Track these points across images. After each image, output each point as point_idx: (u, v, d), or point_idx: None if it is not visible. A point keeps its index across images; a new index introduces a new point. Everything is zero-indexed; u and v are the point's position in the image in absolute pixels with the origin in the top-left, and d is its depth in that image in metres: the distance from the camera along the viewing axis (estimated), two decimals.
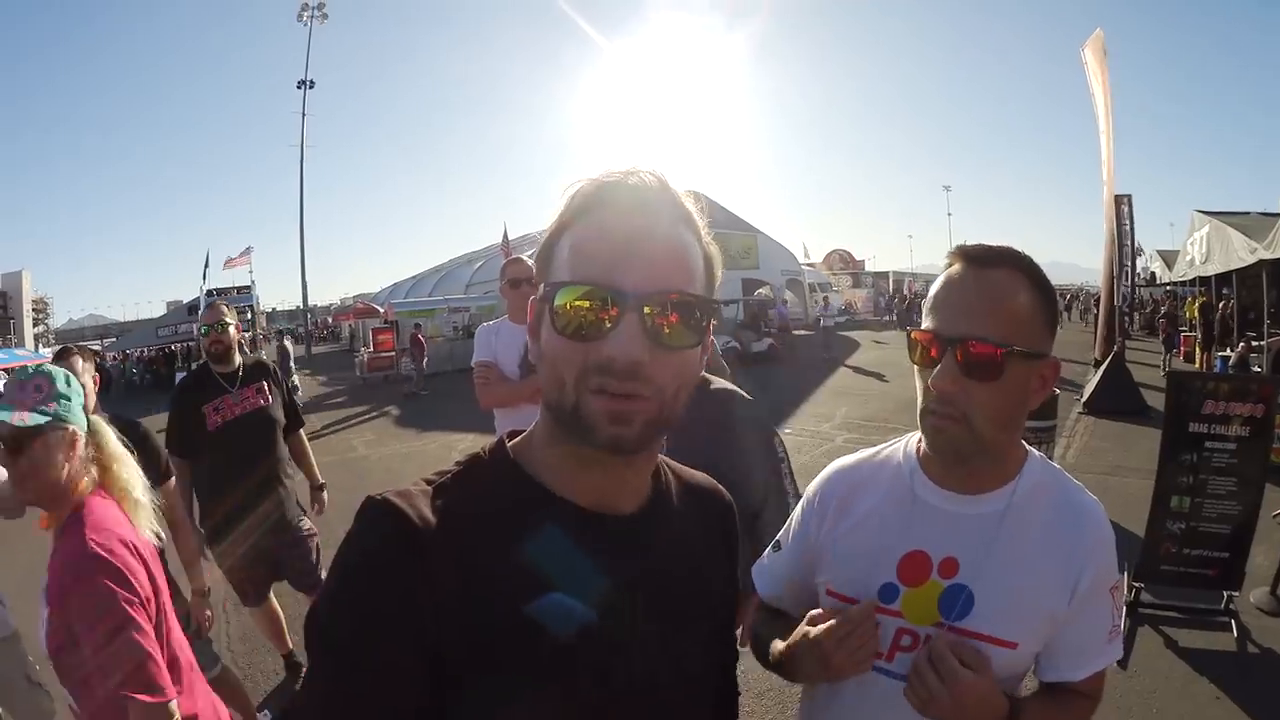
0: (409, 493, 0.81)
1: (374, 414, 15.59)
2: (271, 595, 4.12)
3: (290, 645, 4.25)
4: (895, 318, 34.79)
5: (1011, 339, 1.08)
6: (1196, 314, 17.08)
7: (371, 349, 22.71)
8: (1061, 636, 1.21)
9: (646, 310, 0.77)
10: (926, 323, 1.16)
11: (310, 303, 42.12)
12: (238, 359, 3.86)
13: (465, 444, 10.96)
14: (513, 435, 0.95)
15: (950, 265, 1.17)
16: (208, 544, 3.71)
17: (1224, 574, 4.77)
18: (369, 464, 10.41)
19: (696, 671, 0.96)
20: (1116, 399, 12.02)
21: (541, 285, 0.83)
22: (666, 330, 0.79)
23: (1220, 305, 16.24)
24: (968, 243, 1.18)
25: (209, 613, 3.23)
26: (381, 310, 26.76)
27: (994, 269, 1.12)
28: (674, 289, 0.80)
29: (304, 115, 36.86)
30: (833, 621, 1.17)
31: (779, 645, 1.30)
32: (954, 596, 1.18)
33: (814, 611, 1.25)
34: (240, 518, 3.75)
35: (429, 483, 0.85)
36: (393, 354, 22.04)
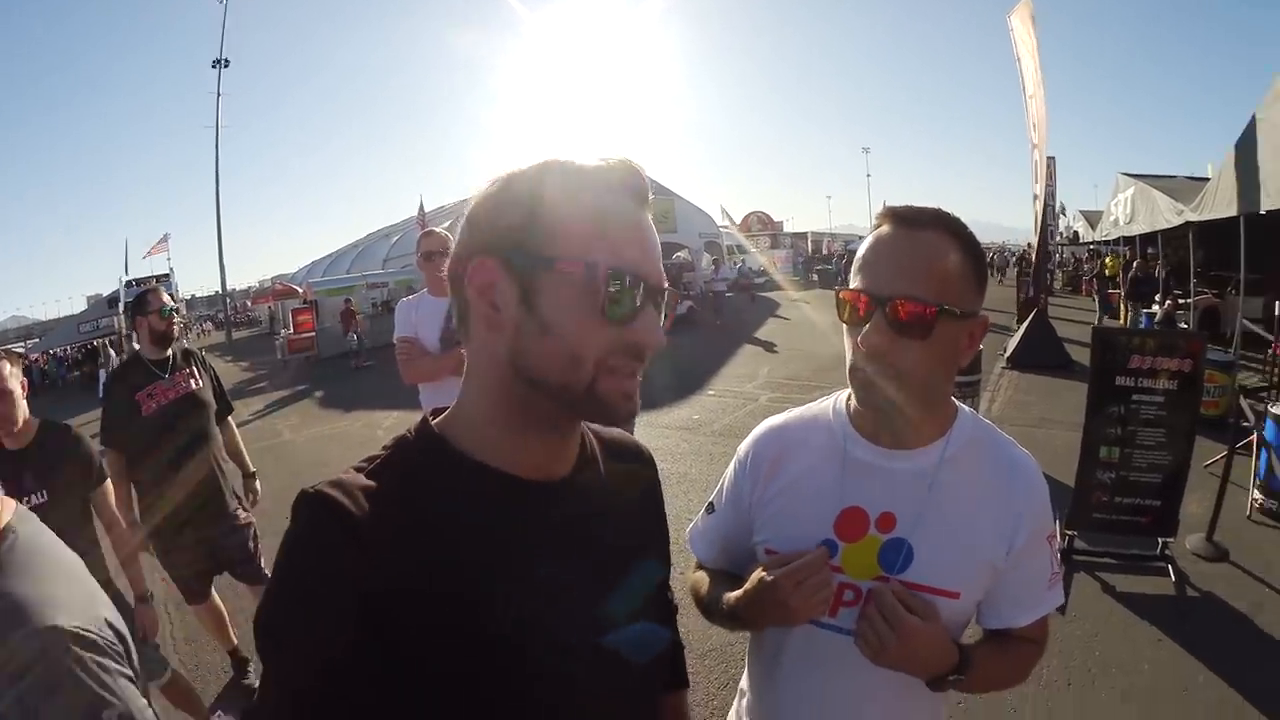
0: (342, 482, 0.81)
1: (297, 397, 15.42)
2: (213, 590, 4.05)
3: (235, 641, 4.17)
4: (815, 277, 36.75)
5: (941, 298, 1.10)
6: (1119, 272, 17.92)
7: (291, 330, 22.17)
8: (1002, 585, 1.25)
9: (660, 300, 0.87)
10: (855, 282, 1.17)
11: (229, 286, 41.12)
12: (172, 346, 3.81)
13: (389, 422, 10.98)
14: (435, 414, 0.94)
15: (879, 226, 1.19)
16: (150, 540, 3.66)
17: (1157, 521, 4.91)
18: (296, 448, 10.29)
19: (643, 627, 0.98)
20: (1040, 354, 12.40)
21: (548, 258, 0.82)
22: (665, 318, 0.89)
23: (1147, 264, 16.88)
24: (896, 204, 1.19)
25: (155, 617, 3.17)
26: (300, 290, 26.15)
27: (923, 230, 1.14)
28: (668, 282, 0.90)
29: (219, 95, 35.95)
30: (791, 565, 1.17)
31: (733, 595, 1.29)
32: (894, 550, 1.21)
33: (771, 559, 1.24)
34: (181, 509, 3.66)
35: (359, 470, 0.84)
36: (313, 334, 21.65)
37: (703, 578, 1.46)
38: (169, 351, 3.75)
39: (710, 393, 11.46)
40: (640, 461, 1.14)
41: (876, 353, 1.13)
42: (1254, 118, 8.02)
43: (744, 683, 1.48)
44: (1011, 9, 14.13)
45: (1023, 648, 1.32)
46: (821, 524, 1.25)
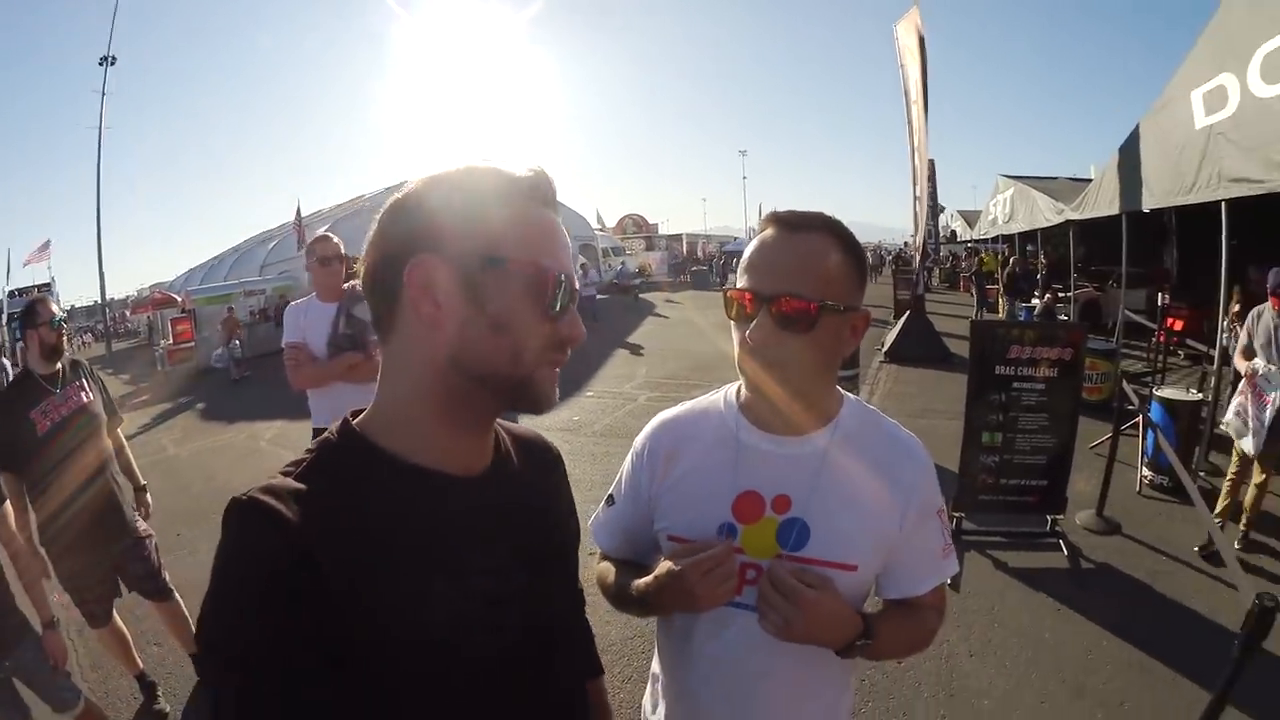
0: (273, 488, 0.80)
1: (179, 410, 14.70)
2: (115, 613, 3.84)
3: (141, 665, 3.97)
4: (688, 279, 39.06)
5: (823, 294, 1.18)
6: (997, 269, 18.91)
7: (171, 341, 21.07)
8: (898, 557, 1.33)
9: (576, 298, 0.92)
10: (741, 281, 1.25)
11: (109, 295, 38.75)
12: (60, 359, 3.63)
13: (272, 433, 10.67)
14: (354, 415, 0.95)
15: (764, 229, 1.27)
16: (52, 564, 3.45)
17: (1045, 500, 5.26)
18: (181, 463, 9.77)
19: (565, 614, 1.07)
20: (919, 347, 13.02)
21: (492, 257, 0.86)
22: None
23: (1026, 260, 18.02)
24: (781, 209, 1.27)
25: (63, 644, 2.98)
26: (179, 299, 24.98)
27: (805, 233, 1.23)
28: None
29: (104, 94, 33.66)
30: (697, 557, 1.20)
31: (641, 582, 1.32)
32: (790, 529, 1.28)
33: (677, 549, 1.28)
34: (81, 527, 3.51)
35: (286, 474, 0.84)
36: (193, 344, 20.52)
37: (608, 568, 1.50)
38: (58, 365, 3.58)
39: (589, 394, 11.50)
40: (549, 454, 1.20)
41: (762, 346, 1.20)
42: (1138, 125, 8.59)
43: (655, 666, 1.52)
44: (898, 18, 14.71)
45: (923, 614, 1.40)
46: (719, 508, 1.31)
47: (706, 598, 1.20)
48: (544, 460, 1.16)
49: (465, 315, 0.85)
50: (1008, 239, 19.97)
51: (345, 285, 4.00)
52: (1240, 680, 2.07)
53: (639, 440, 1.47)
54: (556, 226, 0.92)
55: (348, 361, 3.86)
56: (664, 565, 1.26)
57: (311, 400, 3.99)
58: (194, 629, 0.78)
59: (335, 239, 4.05)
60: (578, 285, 0.93)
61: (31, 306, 3.55)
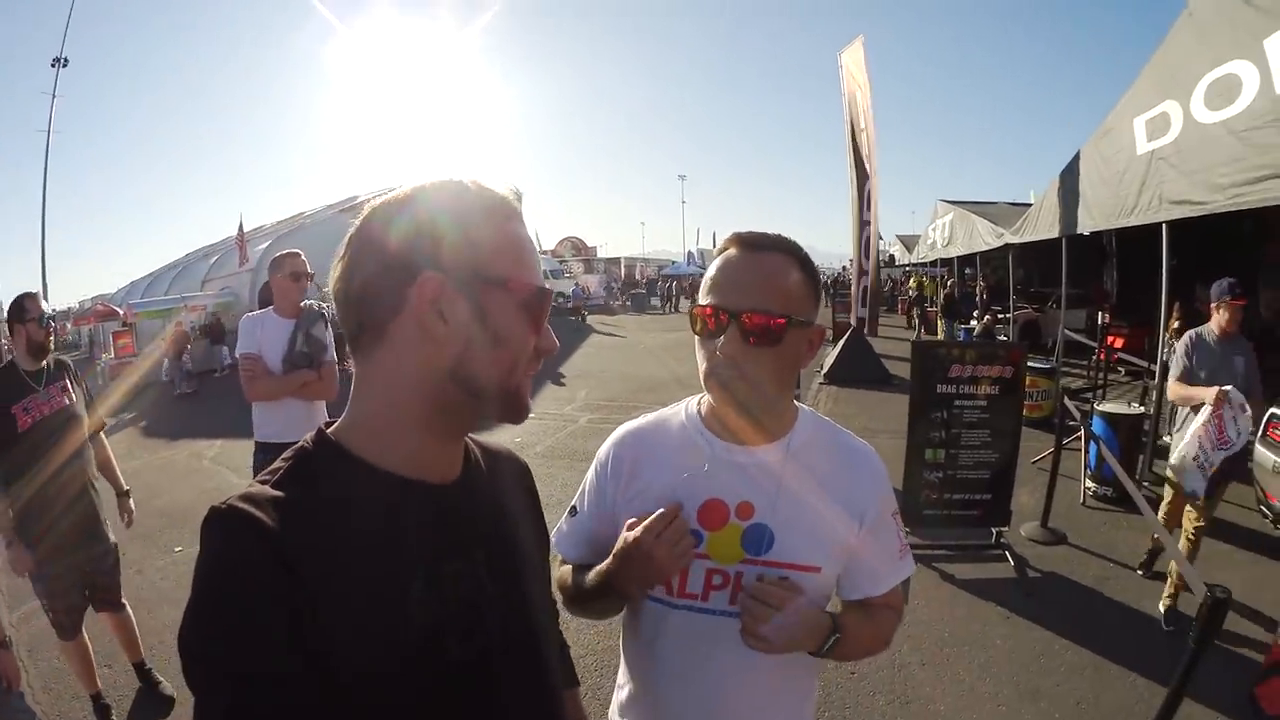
0: (252, 496, 0.80)
1: (119, 426, 14.23)
2: (83, 627, 3.74)
3: (99, 685, 3.85)
4: (628, 302, 39.96)
5: (786, 310, 1.25)
6: (935, 292, 19.57)
7: (113, 354, 20.48)
8: (858, 559, 1.39)
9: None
10: (707, 299, 1.29)
11: (52, 307, 37.42)
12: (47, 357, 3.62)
13: (214, 451, 10.33)
14: (329, 425, 0.95)
15: (727, 250, 1.33)
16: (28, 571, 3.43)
17: (989, 513, 5.39)
18: (125, 480, 9.41)
19: (540, 619, 1.05)
20: (858, 369, 13.27)
21: (489, 275, 0.89)
22: None
23: (965, 283, 18.49)
24: (742, 231, 1.33)
25: (16, 664, 2.86)
26: (121, 312, 24.31)
27: (767, 252, 1.29)
28: None
29: (54, 96, 32.71)
30: (649, 519, 1.26)
31: (602, 565, 1.36)
32: (755, 534, 1.33)
33: (630, 519, 1.32)
34: (59, 533, 3.49)
35: (264, 482, 0.84)
36: (135, 358, 19.94)
37: (566, 571, 1.53)
38: (44, 362, 3.56)
39: (531, 416, 11.38)
40: (517, 464, 1.22)
41: (731, 360, 1.25)
42: (1078, 152, 8.88)
43: (621, 676, 1.55)
44: (844, 48, 15.02)
45: (884, 614, 1.46)
46: (685, 516, 1.32)
47: (664, 559, 1.25)
48: (513, 469, 1.18)
49: (470, 331, 0.88)
50: (946, 263, 20.29)
51: (303, 304, 4.06)
52: (1195, 673, 2.14)
53: (602, 451, 1.50)
54: (533, 243, 0.97)
55: (303, 379, 3.95)
56: (620, 539, 1.31)
57: (258, 413, 4.00)
58: (178, 641, 0.76)
59: (303, 255, 4.12)
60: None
61: (19, 302, 3.51)
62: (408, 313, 0.87)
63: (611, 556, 1.33)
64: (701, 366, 1.30)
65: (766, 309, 1.23)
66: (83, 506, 3.61)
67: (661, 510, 1.27)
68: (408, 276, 0.86)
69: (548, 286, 0.95)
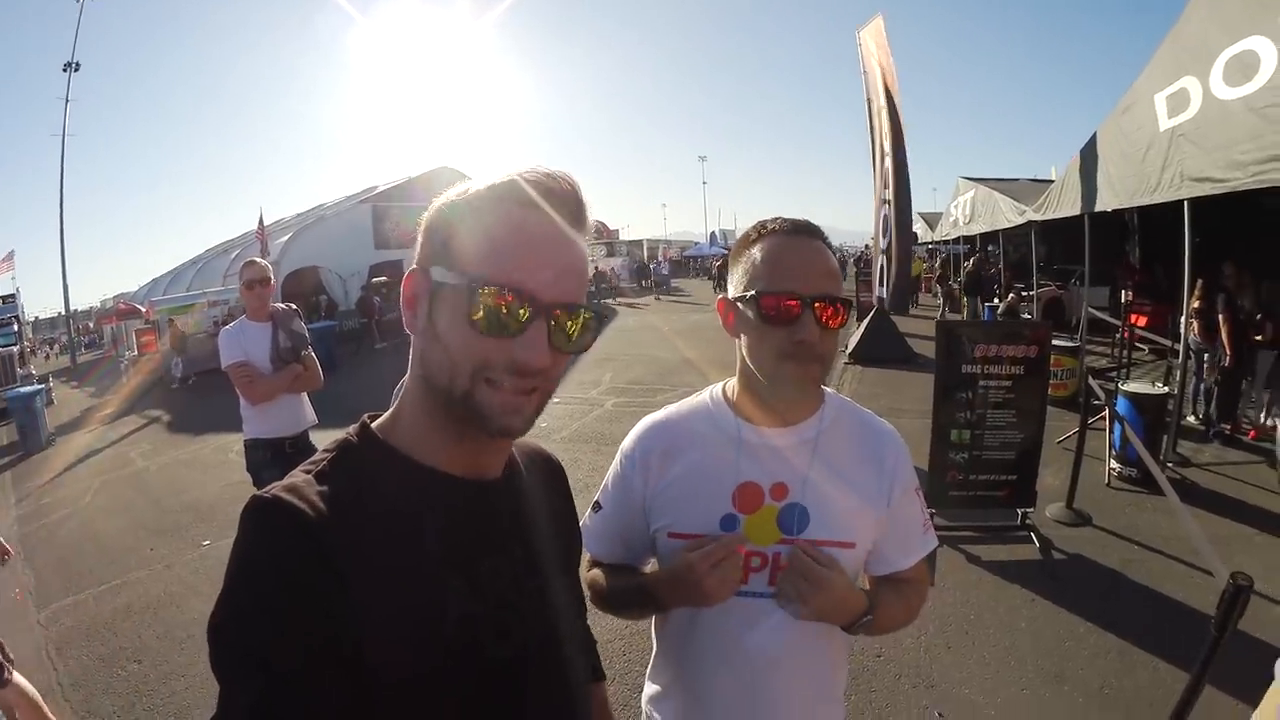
0: (295, 487, 0.80)
1: (146, 422, 14.45)
2: (13, 670, 3.32)
3: None
4: (650, 284, 39.58)
5: (844, 294, 1.30)
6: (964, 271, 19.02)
7: (135, 352, 20.78)
8: (886, 534, 1.43)
9: (552, 317, 0.85)
10: (782, 287, 1.27)
11: (72, 307, 37.94)
12: None
13: (240, 445, 10.36)
14: (372, 418, 0.96)
15: (780, 238, 1.32)
16: None
17: (1014, 494, 5.34)
18: (150, 476, 9.64)
19: (571, 619, 1.07)
20: (882, 348, 13.16)
21: (446, 271, 0.86)
22: (570, 337, 0.88)
23: (987, 260, 18.27)
24: (789, 218, 1.35)
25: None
26: (143, 310, 24.58)
27: (817, 239, 1.33)
28: (580, 300, 0.88)
29: (67, 101, 32.96)
30: (708, 548, 1.27)
31: (652, 576, 1.43)
32: (790, 514, 1.35)
33: (688, 544, 1.34)
34: None
35: (307, 473, 0.84)
36: (158, 355, 20.23)
37: (599, 573, 1.54)
38: None
39: (555, 400, 11.40)
40: (553, 469, 1.22)
41: (811, 345, 1.26)
42: (1100, 128, 8.74)
43: (655, 661, 1.57)
44: (862, 25, 14.83)
45: (911, 588, 1.49)
46: (720, 501, 1.37)
47: (714, 590, 1.26)
48: (549, 471, 1.19)
49: (424, 327, 0.88)
50: (969, 240, 20.23)
51: (273, 306, 4.44)
52: (1216, 660, 2.12)
53: (627, 443, 1.51)
54: (525, 238, 0.85)
55: (293, 373, 4.36)
56: (675, 557, 1.34)
57: (247, 412, 4.32)
58: (209, 629, 0.75)
59: (264, 263, 4.59)
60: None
61: None
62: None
63: (663, 572, 1.39)
64: (765, 353, 1.30)
65: (836, 294, 1.28)
66: None
67: (723, 537, 1.30)
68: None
69: (521, 284, 0.84)
